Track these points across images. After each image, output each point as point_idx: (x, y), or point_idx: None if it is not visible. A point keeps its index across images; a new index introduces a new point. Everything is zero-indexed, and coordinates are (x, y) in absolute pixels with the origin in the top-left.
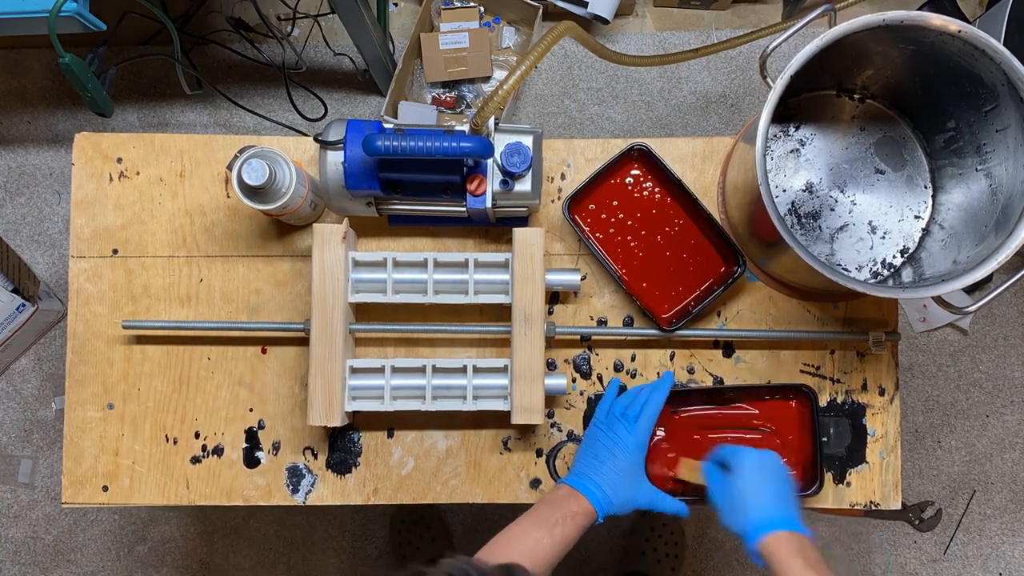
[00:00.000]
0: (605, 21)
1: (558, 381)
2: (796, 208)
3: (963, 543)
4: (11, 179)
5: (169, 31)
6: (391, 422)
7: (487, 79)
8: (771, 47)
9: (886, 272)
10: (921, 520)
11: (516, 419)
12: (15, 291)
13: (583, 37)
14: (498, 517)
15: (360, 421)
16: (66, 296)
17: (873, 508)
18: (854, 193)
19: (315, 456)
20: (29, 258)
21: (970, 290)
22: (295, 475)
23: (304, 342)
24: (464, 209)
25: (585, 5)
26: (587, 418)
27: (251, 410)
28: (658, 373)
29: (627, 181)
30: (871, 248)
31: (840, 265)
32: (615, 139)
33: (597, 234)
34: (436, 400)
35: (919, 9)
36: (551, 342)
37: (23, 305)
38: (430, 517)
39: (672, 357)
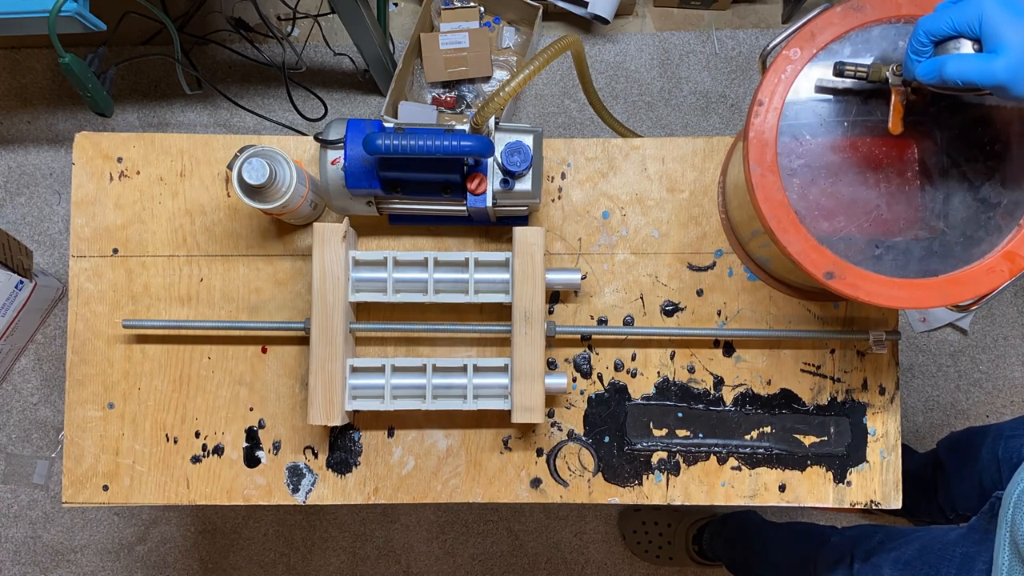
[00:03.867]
0: (605, 21)
1: (558, 380)
2: None
3: None
4: (11, 179)
5: (169, 31)
6: (391, 421)
7: (487, 79)
8: (771, 46)
9: None
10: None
11: (516, 418)
12: (11, 269)
13: (581, 61)
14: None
15: (360, 420)
16: (62, 276)
17: (874, 507)
18: None
19: (315, 455)
20: None
21: None
22: (295, 474)
23: (304, 341)
24: (464, 208)
25: (585, 5)
26: (588, 418)
27: (251, 409)
28: (658, 373)
29: None
30: None
31: None
32: (615, 139)
33: None
34: (436, 399)
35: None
36: (551, 341)
37: (21, 282)
38: None
39: (672, 356)
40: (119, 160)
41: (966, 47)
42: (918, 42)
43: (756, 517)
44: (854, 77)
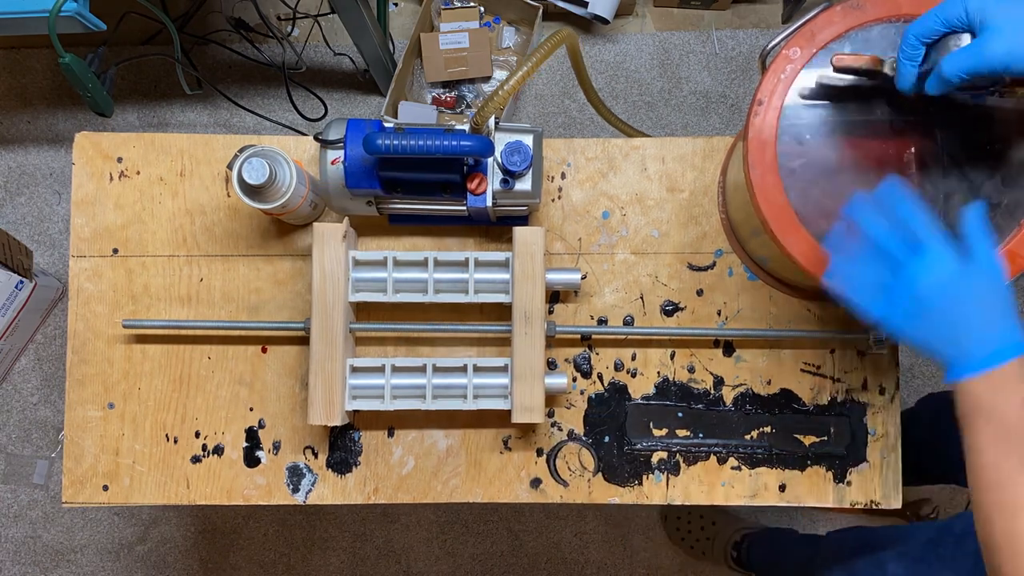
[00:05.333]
0: (605, 21)
1: (559, 380)
2: None
3: None
4: (11, 179)
5: (169, 31)
6: (391, 421)
7: (487, 79)
8: (771, 46)
9: None
10: (919, 517)
11: (516, 418)
12: (11, 269)
13: (576, 54)
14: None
15: (360, 420)
16: (62, 276)
17: (873, 507)
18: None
19: (315, 455)
20: None
21: None
22: (295, 474)
23: (304, 341)
24: (464, 208)
25: (585, 5)
26: (588, 418)
27: (251, 409)
28: (658, 372)
29: None
30: None
31: None
32: (615, 139)
33: None
34: (436, 399)
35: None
36: (551, 341)
37: (21, 282)
38: None
39: (672, 356)
40: (119, 160)
41: (966, 40)
42: (909, 46)
43: (792, 533)
44: (853, 72)
